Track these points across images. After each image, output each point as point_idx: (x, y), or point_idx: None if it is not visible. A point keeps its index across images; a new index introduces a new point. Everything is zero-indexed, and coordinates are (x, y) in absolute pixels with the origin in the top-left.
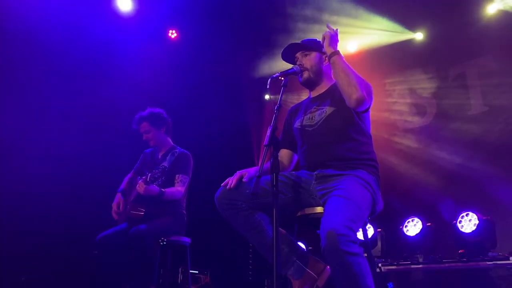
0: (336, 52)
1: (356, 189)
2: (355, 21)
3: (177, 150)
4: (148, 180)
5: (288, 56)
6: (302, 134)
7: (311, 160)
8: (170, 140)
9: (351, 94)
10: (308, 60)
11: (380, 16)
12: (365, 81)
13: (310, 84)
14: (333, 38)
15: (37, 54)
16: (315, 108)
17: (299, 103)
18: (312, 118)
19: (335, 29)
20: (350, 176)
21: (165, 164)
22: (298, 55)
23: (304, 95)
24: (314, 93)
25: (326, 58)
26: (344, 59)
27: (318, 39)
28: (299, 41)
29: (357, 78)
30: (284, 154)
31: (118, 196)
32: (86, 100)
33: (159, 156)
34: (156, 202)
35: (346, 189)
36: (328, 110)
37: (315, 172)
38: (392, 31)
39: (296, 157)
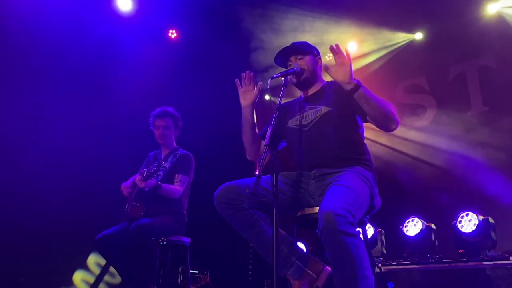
0: (359, 84)
1: (354, 180)
2: (354, 25)
3: (179, 152)
4: (144, 175)
5: (281, 60)
6: (297, 133)
7: (309, 159)
8: (174, 143)
9: (390, 125)
10: (304, 62)
11: (379, 18)
12: (389, 104)
13: (306, 85)
14: (351, 68)
15: (37, 54)
16: (308, 107)
17: (289, 102)
18: (306, 117)
19: (344, 50)
20: (347, 171)
21: (166, 164)
22: (292, 58)
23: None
24: (307, 93)
25: (319, 60)
26: (366, 89)
27: (307, 42)
28: (290, 45)
29: (387, 105)
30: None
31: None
32: (85, 100)
33: (162, 157)
34: (156, 201)
35: (344, 180)
36: (323, 109)
37: (313, 172)
38: (391, 34)
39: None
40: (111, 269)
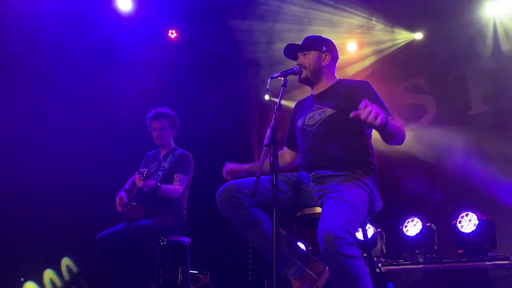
0: (387, 121)
1: (352, 189)
2: (354, 24)
3: (177, 151)
4: (144, 175)
5: (291, 54)
6: (303, 133)
7: (309, 161)
8: (173, 142)
9: (398, 144)
10: (307, 60)
11: (379, 18)
12: (402, 126)
13: (309, 83)
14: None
15: (37, 54)
16: (316, 107)
17: (304, 99)
18: (312, 117)
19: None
20: (345, 176)
21: (165, 164)
22: (299, 53)
23: (307, 93)
24: (316, 91)
25: (326, 57)
26: (392, 122)
27: (320, 36)
28: (300, 40)
29: (401, 130)
30: (287, 153)
31: (122, 192)
32: (85, 100)
33: (161, 157)
34: (156, 201)
35: (342, 191)
36: (328, 111)
37: (312, 174)
38: (391, 34)
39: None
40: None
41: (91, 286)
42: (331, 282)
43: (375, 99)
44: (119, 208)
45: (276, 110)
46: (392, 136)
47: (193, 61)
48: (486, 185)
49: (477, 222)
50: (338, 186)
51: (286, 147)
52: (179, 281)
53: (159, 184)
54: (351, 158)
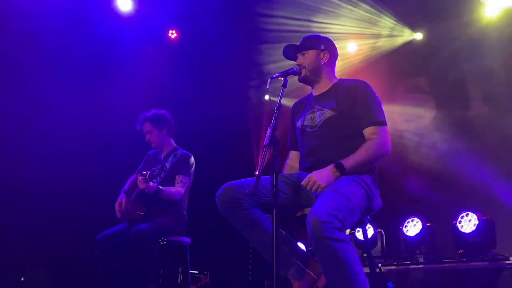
0: (343, 166)
1: (347, 183)
2: (354, 23)
3: (179, 152)
4: (147, 177)
5: (290, 55)
6: (303, 134)
7: (309, 162)
8: (173, 142)
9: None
10: (306, 59)
11: (380, 17)
12: (377, 147)
13: (309, 82)
14: (322, 177)
15: (37, 54)
16: (316, 108)
17: (302, 99)
18: (313, 118)
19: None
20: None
21: (167, 165)
22: (298, 54)
23: (307, 93)
24: (316, 91)
25: (325, 55)
26: (349, 163)
27: (319, 35)
28: (300, 39)
29: (374, 153)
30: (295, 156)
31: (121, 195)
32: (85, 100)
33: (162, 158)
34: (156, 202)
35: (336, 184)
36: (328, 113)
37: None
38: (391, 33)
39: None
40: None
41: (91, 286)
42: None
43: (371, 100)
44: (118, 215)
45: (276, 110)
46: (362, 166)
47: (193, 61)
48: (486, 185)
49: (477, 222)
50: (334, 181)
51: (292, 150)
52: (179, 281)
53: (160, 187)
54: None
